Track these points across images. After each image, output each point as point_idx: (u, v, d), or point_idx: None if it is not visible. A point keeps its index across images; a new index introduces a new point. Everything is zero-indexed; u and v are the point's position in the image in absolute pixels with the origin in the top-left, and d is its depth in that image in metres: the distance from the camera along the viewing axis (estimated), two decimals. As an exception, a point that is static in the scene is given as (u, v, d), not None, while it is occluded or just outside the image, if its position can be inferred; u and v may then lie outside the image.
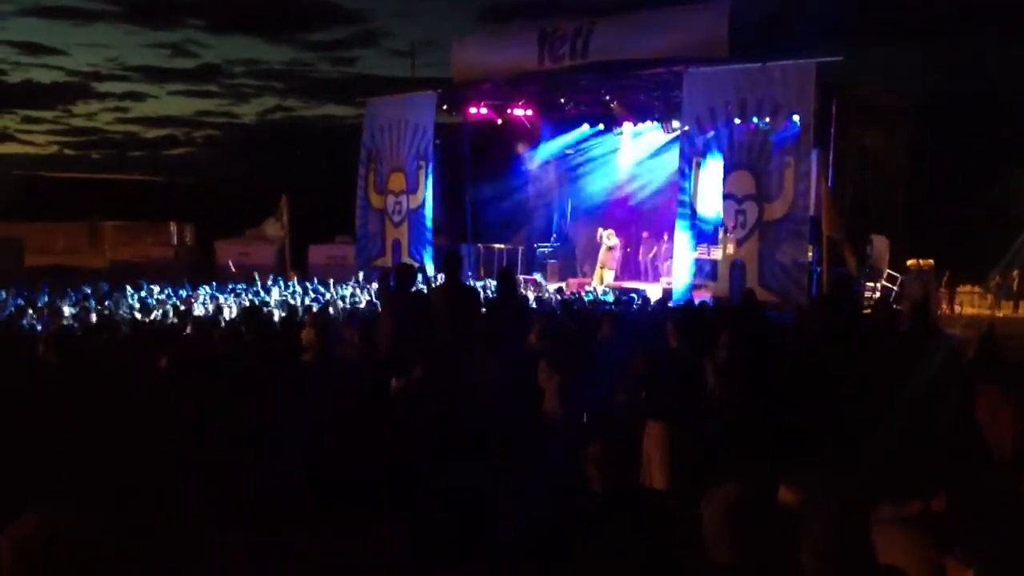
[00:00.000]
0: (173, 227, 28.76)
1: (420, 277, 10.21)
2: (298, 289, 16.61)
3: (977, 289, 20.40)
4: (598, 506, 3.76)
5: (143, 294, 15.48)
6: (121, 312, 13.36)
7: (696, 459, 5.49)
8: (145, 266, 22.94)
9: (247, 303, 13.86)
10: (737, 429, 5.87)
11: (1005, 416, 3.49)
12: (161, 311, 13.38)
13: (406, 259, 20.12)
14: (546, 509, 3.85)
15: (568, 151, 22.39)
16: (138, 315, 13.06)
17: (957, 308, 18.82)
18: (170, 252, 27.30)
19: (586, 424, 5.94)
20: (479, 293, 9.16)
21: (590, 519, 3.71)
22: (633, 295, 16.40)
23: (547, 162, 22.88)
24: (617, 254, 20.88)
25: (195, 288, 16.34)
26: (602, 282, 19.81)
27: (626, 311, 12.94)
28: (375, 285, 14.06)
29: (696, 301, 13.34)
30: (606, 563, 3.54)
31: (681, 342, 6.91)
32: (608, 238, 20.48)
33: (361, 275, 19.39)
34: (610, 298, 16.29)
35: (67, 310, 12.81)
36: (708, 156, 16.41)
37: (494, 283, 15.13)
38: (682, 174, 16.92)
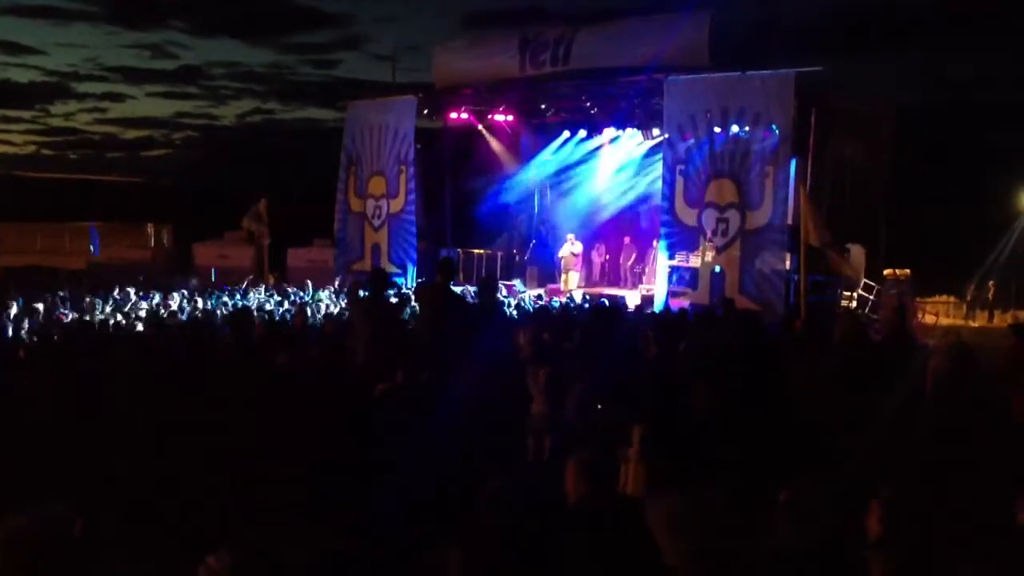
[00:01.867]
0: (150, 229, 28.49)
1: (392, 287, 10.16)
2: (276, 296, 16.47)
3: (952, 299, 20.61)
4: (576, 515, 3.75)
5: (118, 296, 15.31)
6: (97, 314, 13.23)
7: (673, 463, 5.47)
8: (122, 268, 22.66)
9: (227, 307, 13.75)
10: (715, 435, 5.87)
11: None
12: (136, 314, 13.25)
13: (385, 264, 20.09)
14: (528, 516, 3.84)
15: (548, 157, 22.37)
16: (118, 316, 12.93)
17: (932, 318, 18.96)
18: (147, 254, 27.03)
19: (572, 430, 5.90)
20: (466, 299, 9.13)
21: (569, 527, 3.71)
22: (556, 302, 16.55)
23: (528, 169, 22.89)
24: (581, 258, 20.98)
25: (168, 292, 16.15)
26: (567, 285, 19.88)
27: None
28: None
29: (675, 308, 13.41)
30: (583, 572, 3.54)
31: (659, 349, 6.92)
32: (571, 243, 20.60)
33: (338, 279, 19.28)
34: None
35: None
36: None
37: (473, 289, 15.09)
38: (664, 182, 17.00)
